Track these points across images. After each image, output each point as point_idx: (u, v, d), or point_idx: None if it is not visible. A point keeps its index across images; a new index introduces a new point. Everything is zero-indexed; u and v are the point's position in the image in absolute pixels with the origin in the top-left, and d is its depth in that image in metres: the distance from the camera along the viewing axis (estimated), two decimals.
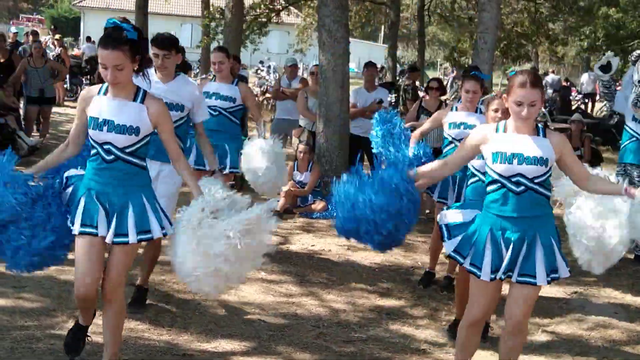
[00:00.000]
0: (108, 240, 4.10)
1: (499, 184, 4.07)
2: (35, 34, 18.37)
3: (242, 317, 5.61)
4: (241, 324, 5.45)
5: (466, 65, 29.89)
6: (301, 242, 7.92)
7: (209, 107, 6.43)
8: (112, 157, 4.09)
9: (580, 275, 7.35)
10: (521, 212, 4.04)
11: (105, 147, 4.08)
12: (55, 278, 5.97)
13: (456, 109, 6.38)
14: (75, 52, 26.28)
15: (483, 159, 4.19)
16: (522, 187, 4.02)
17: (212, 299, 5.67)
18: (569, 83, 26.03)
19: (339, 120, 9.64)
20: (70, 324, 4.97)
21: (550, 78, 26.24)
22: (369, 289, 6.55)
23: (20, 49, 16.75)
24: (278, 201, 9.15)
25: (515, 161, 4.00)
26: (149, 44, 5.25)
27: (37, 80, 12.22)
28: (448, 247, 4.30)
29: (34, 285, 5.76)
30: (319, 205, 9.22)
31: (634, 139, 7.70)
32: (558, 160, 4.07)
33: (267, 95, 20.35)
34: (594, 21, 25.65)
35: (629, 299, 6.76)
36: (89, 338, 4.55)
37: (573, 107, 20.17)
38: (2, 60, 12.61)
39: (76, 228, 4.10)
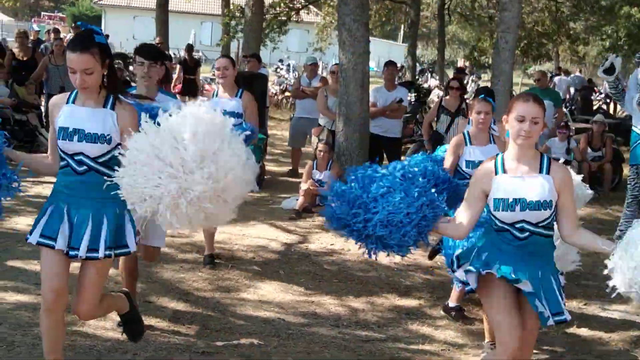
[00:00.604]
0: (82, 254, 3.86)
1: (505, 227, 3.85)
2: (56, 31, 18.50)
3: (261, 315, 5.62)
4: (260, 323, 5.46)
5: (486, 64, 29.95)
6: (320, 241, 7.92)
7: None
8: (84, 168, 3.88)
9: (602, 276, 7.31)
10: (524, 259, 3.82)
11: (77, 157, 3.88)
12: (76, 275, 6.00)
13: (469, 141, 5.84)
14: None
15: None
16: (527, 233, 3.81)
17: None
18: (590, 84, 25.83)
19: (359, 119, 9.64)
20: (92, 321, 5.01)
21: (572, 77, 26.07)
22: (388, 288, 6.54)
23: (41, 46, 16.87)
24: (297, 199, 9.17)
25: (517, 208, 3.77)
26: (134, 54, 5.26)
27: (58, 77, 12.29)
28: (459, 275, 3.98)
29: None
30: None
31: None
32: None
33: (287, 93, 20.39)
34: (615, 20, 25.44)
35: None
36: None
37: (594, 107, 20.00)
38: (24, 58, 12.71)
39: (34, 238, 3.91)
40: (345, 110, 9.62)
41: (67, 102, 3.97)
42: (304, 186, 9.21)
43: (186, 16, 41.85)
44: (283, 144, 14.25)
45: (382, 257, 7.38)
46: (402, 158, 11.17)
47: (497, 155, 3.99)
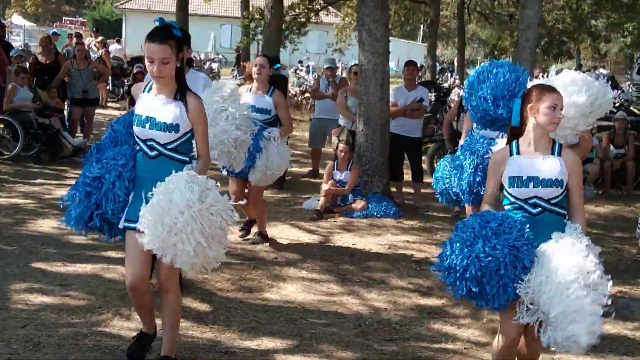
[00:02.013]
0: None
1: (517, 204, 4.06)
2: (78, 36, 18.67)
3: (284, 315, 5.64)
4: (283, 322, 5.48)
5: None
6: (342, 241, 7.94)
7: None
8: (155, 152, 4.23)
9: (626, 274, 7.27)
10: (537, 234, 3.95)
11: (149, 143, 4.23)
12: (101, 276, 6.08)
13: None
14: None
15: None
16: (539, 209, 4.02)
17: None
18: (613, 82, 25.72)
19: (379, 119, 9.63)
20: (116, 322, 5.07)
21: (597, 73, 25.96)
22: (410, 287, 6.54)
23: (64, 50, 17.02)
24: (318, 200, 9.19)
25: (531, 185, 4.00)
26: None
27: (80, 82, 12.42)
28: None
29: (81, 283, 5.87)
30: (359, 204, 9.22)
31: None
32: None
33: (307, 95, 20.42)
34: (637, 17, 25.20)
35: None
36: (150, 348, 4.60)
37: (617, 105, 19.83)
38: (47, 62, 12.84)
39: (121, 222, 4.26)
40: (365, 111, 9.63)
41: (144, 91, 4.33)
42: (324, 187, 9.22)
43: (206, 19, 42.00)
44: (304, 144, 14.28)
45: (404, 257, 7.41)
46: (423, 158, 11.18)
47: (511, 140, 4.19)
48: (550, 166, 4.01)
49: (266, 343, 5.07)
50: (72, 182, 10.39)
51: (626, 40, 26.10)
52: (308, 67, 27.54)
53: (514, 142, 4.15)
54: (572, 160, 4.06)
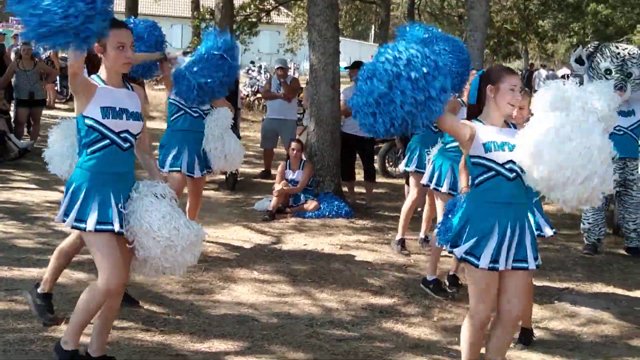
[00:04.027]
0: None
1: (494, 172, 4.11)
2: None
3: (235, 317, 5.61)
4: (234, 324, 5.45)
5: None
6: (294, 242, 7.93)
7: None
8: (128, 144, 4.16)
9: (572, 271, 7.41)
10: (514, 199, 4.12)
11: (123, 135, 4.13)
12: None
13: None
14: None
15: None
16: (514, 174, 4.09)
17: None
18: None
19: (331, 119, 9.65)
20: (64, 327, 4.98)
21: (548, 73, 26.57)
22: (362, 287, 6.56)
23: (11, 51, 16.66)
24: (270, 201, 9.17)
25: (506, 148, 4.09)
26: None
27: (26, 82, 12.20)
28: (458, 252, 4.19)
29: (27, 288, 5.74)
30: (311, 204, 9.23)
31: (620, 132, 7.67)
32: None
33: (259, 95, 20.36)
34: (583, 18, 25.74)
35: (620, 293, 6.79)
36: None
37: None
38: None
39: (90, 224, 4.03)
40: (316, 111, 9.64)
41: (99, 85, 4.14)
42: (277, 187, 9.21)
43: (156, 19, 41.39)
44: (255, 145, 14.24)
45: (355, 257, 7.44)
46: (375, 157, 11.24)
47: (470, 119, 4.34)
48: (513, 135, 4.13)
49: (217, 345, 5.03)
50: (18, 185, 10.24)
51: (572, 40, 26.60)
52: (260, 67, 27.42)
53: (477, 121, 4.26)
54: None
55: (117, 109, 4.10)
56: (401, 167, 8.56)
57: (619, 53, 7.65)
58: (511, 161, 4.06)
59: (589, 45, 8.09)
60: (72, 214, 4.07)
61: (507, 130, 4.21)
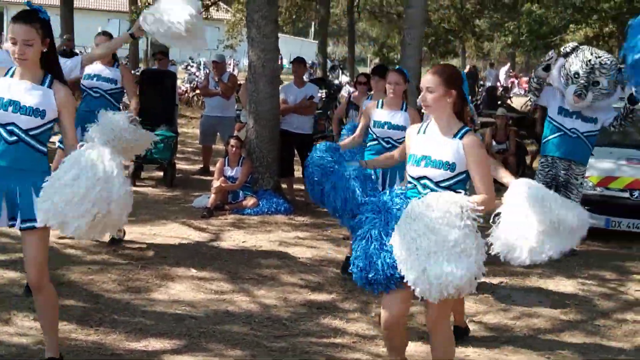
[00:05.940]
0: (17, 227, 4.05)
1: (412, 184, 4.09)
2: None
3: (173, 315, 5.56)
4: (171, 322, 5.40)
5: (395, 61, 30.44)
6: (232, 239, 7.90)
7: None
8: (14, 138, 4.02)
9: (506, 265, 7.54)
10: None
11: (8, 127, 4.00)
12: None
13: (382, 106, 6.59)
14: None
15: None
16: (428, 190, 3.99)
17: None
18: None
19: (270, 116, 9.62)
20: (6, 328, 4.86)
21: (487, 72, 27.30)
22: (300, 283, 6.58)
23: None
24: (209, 197, 9.12)
25: (422, 163, 4.02)
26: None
27: None
28: None
29: None
30: (249, 201, 9.20)
31: (561, 132, 7.83)
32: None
33: (197, 91, 20.19)
34: (518, 17, 26.26)
35: (552, 287, 6.96)
36: None
37: (499, 102, 20.62)
38: None
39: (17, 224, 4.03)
40: (255, 107, 9.60)
41: (5, 75, 4.10)
42: (215, 183, 9.16)
43: (93, 13, 40.88)
44: (194, 142, 14.13)
45: (294, 254, 7.45)
46: None
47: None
48: (446, 147, 4.01)
49: (153, 344, 4.98)
50: None
51: (507, 39, 27.12)
52: (199, 63, 27.17)
53: (426, 122, 4.26)
54: (470, 142, 4.03)
55: (5, 99, 3.99)
56: None
57: (590, 60, 7.67)
58: (425, 177, 4.01)
59: (567, 45, 8.17)
60: None
61: (442, 141, 4.06)
